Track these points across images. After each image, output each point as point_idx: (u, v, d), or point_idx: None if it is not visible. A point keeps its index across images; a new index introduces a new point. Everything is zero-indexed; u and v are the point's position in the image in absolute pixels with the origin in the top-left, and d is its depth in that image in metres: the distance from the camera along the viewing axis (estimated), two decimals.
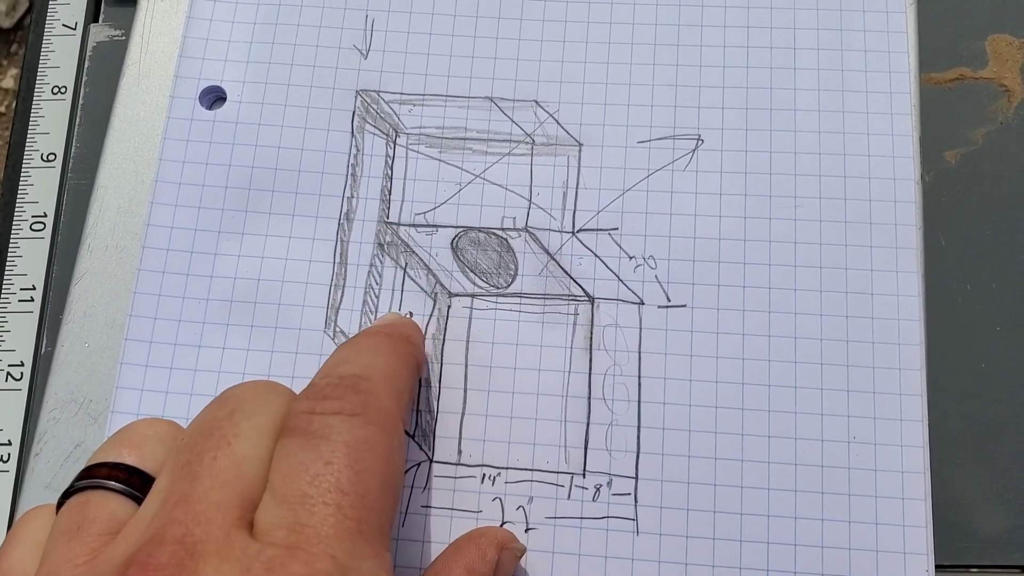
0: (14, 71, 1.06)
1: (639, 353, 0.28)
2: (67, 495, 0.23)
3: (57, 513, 0.23)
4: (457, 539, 0.26)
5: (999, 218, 0.31)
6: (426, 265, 0.29)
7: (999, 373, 0.30)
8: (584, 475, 0.27)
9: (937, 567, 0.26)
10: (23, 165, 0.35)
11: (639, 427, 0.27)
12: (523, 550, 0.26)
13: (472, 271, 0.29)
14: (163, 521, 0.20)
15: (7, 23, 1.07)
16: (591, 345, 0.28)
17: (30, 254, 0.34)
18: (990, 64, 0.33)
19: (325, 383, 0.23)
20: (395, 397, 0.24)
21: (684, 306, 0.28)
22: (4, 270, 0.34)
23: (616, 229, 0.29)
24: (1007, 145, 0.32)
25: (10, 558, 0.23)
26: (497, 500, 0.27)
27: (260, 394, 0.23)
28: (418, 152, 0.30)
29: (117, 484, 0.22)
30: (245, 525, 0.20)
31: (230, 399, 0.23)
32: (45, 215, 0.34)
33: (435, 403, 0.28)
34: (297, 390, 0.27)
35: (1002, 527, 0.28)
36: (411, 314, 0.28)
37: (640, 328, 0.28)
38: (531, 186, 0.30)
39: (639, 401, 0.27)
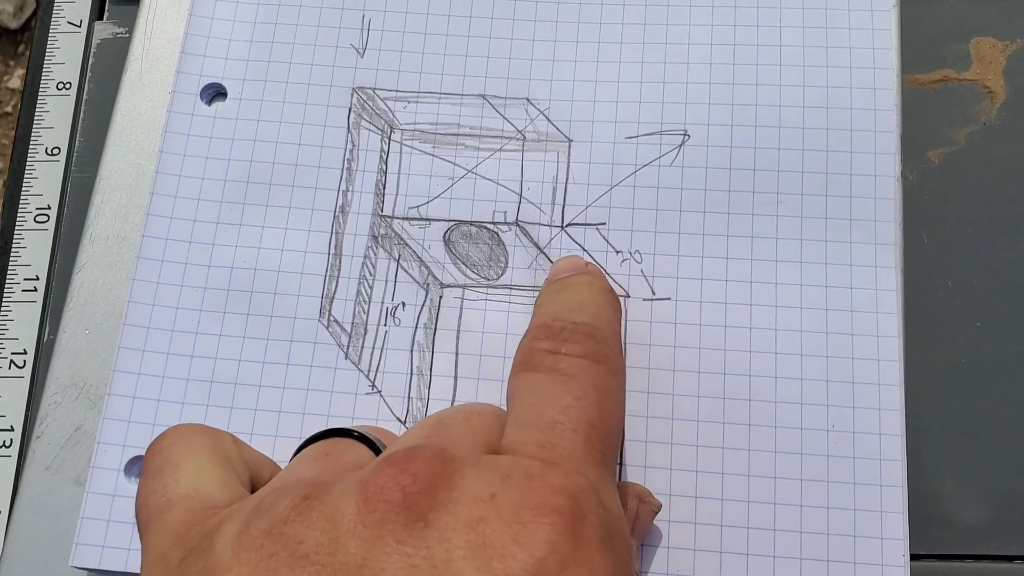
0: (21, 71, 1.07)
1: (624, 344, 0.28)
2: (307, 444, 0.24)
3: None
4: None
5: (980, 217, 0.32)
6: (419, 257, 0.30)
7: (978, 368, 0.30)
8: None
9: (913, 556, 0.26)
10: (28, 159, 0.36)
11: (623, 416, 0.28)
12: (659, 505, 0.26)
13: (464, 263, 0.30)
14: (417, 442, 0.21)
15: (14, 24, 1.08)
16: None
17: (34, 246, 0.35)
18: (974, 66, 0.34)
19: (561, 326, 0.24)
20: (619, 349, 0.25)
21: (668, 299, 0.29)
22: (8, 261, 0.34)
23: (604, 224, 0.30)
24: (989, 146, 0.33)
25: (196, 469, 0.22)
26: None
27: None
28: (412, 147, 0.31)
29: (360, 433, 0.23)
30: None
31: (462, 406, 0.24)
32: (49, 208, 0.35)
33: (426, 391, 0.28)
34: (291, 377, 0.28)
35: (978, 518, 0.29)
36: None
37: (625, 320, 0.29)
38: (522, 181, 0.30)
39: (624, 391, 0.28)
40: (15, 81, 1.06)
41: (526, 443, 0.21)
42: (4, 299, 0.34)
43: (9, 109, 1.05)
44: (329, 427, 0.24)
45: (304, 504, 0.19)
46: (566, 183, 0.30)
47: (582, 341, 0.23)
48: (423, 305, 0.29)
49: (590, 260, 0.29)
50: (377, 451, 0.23)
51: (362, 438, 0.23)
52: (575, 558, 0.18)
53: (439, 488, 0.19)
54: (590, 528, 0.19)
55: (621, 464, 0.27)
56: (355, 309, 0.29)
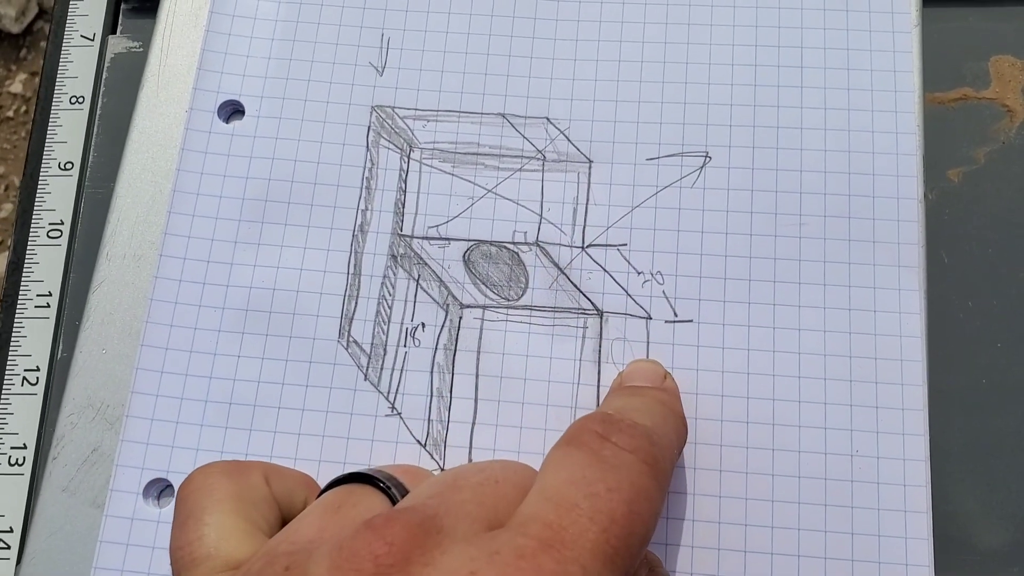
0: (22, 76, 1.07)
1: None
2: (331, 487, 0.23)
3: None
4: None
5: (1000, 236, 0.32)
6: (438, 277, 0.29)
7: (1000, 389, 0.30)
8: None
9: None
10: (41, 173, 0.36)
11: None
12: None
13: (484, 284, 0.29)
14: (414, 503, 0.20)
15: (16, 28, 1.08)
16: (599, 358, 0.28)
17: (47, 261, 0.34)
18: (993, 85, 0.33)
19: (619, 418, 0.23)
20: (671, 464, 0.24)
21: (691, 321, 0.29)
22: (21, 277, 0.34)
23: (625, 245, 0.29)
24: (1009, 164, 0.33)
25: (223, 521, 0.22)
26: None
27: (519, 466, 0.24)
28: (432, 166, 0.31)
29: (382, 482, 0.22)
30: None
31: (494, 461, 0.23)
32: (62, 223, 0.35)
33: (446, 413, 0.28)
34: (311, 399, 0.28)
35: (1002, 541, 0.29)
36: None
37: (648, 342, 0.28)
38: (542, 201, 0.30)
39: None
40: (16, 86, 1.06)
41: (534, 520, 0.20)
42: (17, 315, 0.34)
43: (11, 114, 1.04)
44: (356, 471, 0.23)
45: (285, 575, 0.19)
46: (587, 204, 0.30)
47: (636, 438, 0.22)
48: (443, 326, 0.29)
49: (610, 281, 0.29)
50: (395, 502, 0.22)
51: (384, 487, 0.22)
52: None
53: (413, 562, 0.18)
54: None
55: None
56: (374, 330, 0.29)
